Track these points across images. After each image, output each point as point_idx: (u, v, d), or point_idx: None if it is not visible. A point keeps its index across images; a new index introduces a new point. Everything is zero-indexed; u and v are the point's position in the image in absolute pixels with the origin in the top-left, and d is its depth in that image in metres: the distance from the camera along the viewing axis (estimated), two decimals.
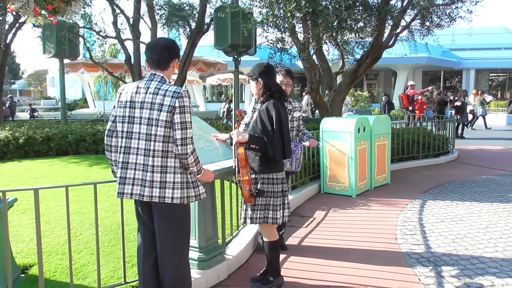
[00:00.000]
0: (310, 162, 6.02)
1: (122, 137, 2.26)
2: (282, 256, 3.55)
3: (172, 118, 2.18)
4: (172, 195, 2.22)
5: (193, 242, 2.98)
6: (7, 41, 11.02)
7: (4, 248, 2.52)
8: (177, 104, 2.18)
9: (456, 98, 13.18)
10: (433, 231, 4.16)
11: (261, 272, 3.10)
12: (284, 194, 2.85)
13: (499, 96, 28.17)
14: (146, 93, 2.22)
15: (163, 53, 2.30)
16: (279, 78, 3.56)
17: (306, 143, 3.65)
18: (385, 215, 4.77)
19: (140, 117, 2.21)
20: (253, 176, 2.78)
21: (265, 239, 2.92)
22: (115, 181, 2.33)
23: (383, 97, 16.87)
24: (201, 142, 3.04)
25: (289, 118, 3.56)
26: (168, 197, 2.22)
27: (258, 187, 2.77)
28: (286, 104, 3.58)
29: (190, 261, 2.71)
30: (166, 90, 2.21)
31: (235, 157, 2.79)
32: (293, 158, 3.46)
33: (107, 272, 3.04)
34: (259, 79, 2.84)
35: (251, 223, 2.83)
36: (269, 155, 2.72)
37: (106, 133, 2.34)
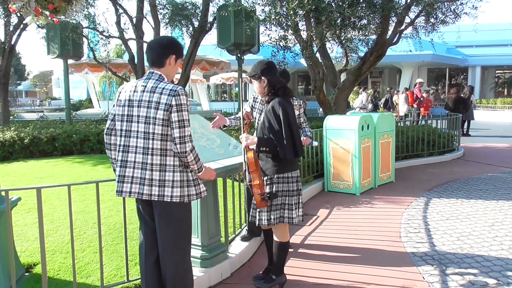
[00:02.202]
0: (314, 160, 6.00)
1: (121, 136, 2.27)
2: None
3: (170, 116, 2.18)
4: (171, 194, 2.22)
5: (196, 240, 2.98)
6: (12, 42, 11.09)
7: (8, 247, 2.53)
8: (173, 102, 2.17)
9: (462, 95, 13.08)
10: (438, 229, 4.13)
11: (263, 270, 3.09)
12: (299, 193, 2.81)
13: (505, 93, 27.90)
14: (143, 91, 2.22)
15: (156, 50, 2.30)
16: None
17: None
18: (389, 213, 4.75)
19: (138, 116, 2.21)
20: (269, 176, 2.73)
21: (276, 239, 2.86)
22: None
23: (366, 92, 15.42)
24: (202, 140, 3.03)
25: None
26: (167, 196, 2.22)
27: (274, 189, 2.72)
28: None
29: (192, 259, 2.71)
30: (163, 88, 2.20)
31: (245, 161, 2.75)
32: None
33: (110, 270, 3.05)
34: (263, 78, 2.79)
35: (267, 224, 2.76)
36: (281, 156, 2.67)
37: (105, 132, 2.35)
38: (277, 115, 2.68)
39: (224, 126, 3.42)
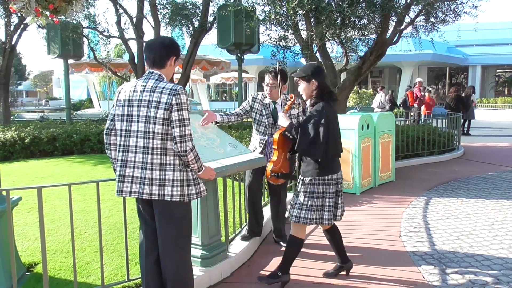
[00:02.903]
0: None
1: (121, 136, 2.28)
2: None
3: (170, 116, 2.19)
4: (171, 193, 2.23)
5: (196, 239, 2.99)
6: (13, 42, 11.09)
7: (9, 247, 2.54)
8: (174, 102, 2.18)
9: (463, 94, 13.07)
10: (438, 228, 4.14)
11: (334, 267, 3.16)
12: (337, 194, 2.87)
13: (506, 92, 27.88)
14: (143, 91, 2.24)
15: (158, 51, 2.31)
16: (266, 79, 3.54)
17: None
18: (389, 212, 4.75)
19: (138, 115, 2.22)
20: (309, 178, 2.80)
21: (292, 234, 2.92)
22: None
23: (384, 92, 14.61)
24: (202, 140, 3.04)
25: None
26: (167, 195, 2.22)
27: (315, 189, 2.78)
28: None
29: (193, 258, 2.72)
30: (163, 88, 2.22)
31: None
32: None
33: (111, 269, 3.06)
34: (313, 80, 2.81)
35: (304, 223, 2.81)
36: (296, 149, 2.75)
37: (105, 132, 2.37)
38: (316, 117, 2.73)
39: (216, 122, 3.41)
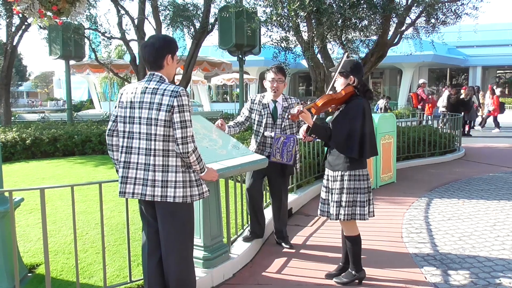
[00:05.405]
0: (315, 161, 6.01)
1: (123, 137, 2.28)
2: (286, 255, 3.56)
3: (172, 118, 2.19)
4: (174, 194, 2.23)
5: (198, 241, 2.99)
6: (14, 43, 11.11)
7: (12, 248, 2.54)
8: (175, 103, 2.18)
9: (463, 96, 13.04)
10: (439, 229, 4.13)
11: (336, 267, 3.14)
12: (369, 190, 2.89)
13: (506, 93, 27.89)
14: (145, 93, 2.23)
15: (151, 53, 2.28)
16: (270, 75, 3.55)
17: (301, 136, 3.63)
18: (390, 213, 4.75)
19: (140, 117, 2.22)
20: (339, 172, 2.83)
21: (346, 234, 2.94)
22: None
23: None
24: (205, 141, 3.04)
25: (286, 116, 3.56)
26: (170, 196, 2.23)
27: (345, 185, 2.82)
28: (288, 100, 3.61)
29: (195, 260, 2.72)
30: (165, 90, 2.21)
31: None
32: (284, 150, 3.45)
33: (113, 271, 3.06)
34: (351, 76, 2.84)
35: (335, 219, 2.86)
36: (330, 143, 2.80)
37: (107, 133, 2.38)
38: (353, 112, 2.77)
39: None
